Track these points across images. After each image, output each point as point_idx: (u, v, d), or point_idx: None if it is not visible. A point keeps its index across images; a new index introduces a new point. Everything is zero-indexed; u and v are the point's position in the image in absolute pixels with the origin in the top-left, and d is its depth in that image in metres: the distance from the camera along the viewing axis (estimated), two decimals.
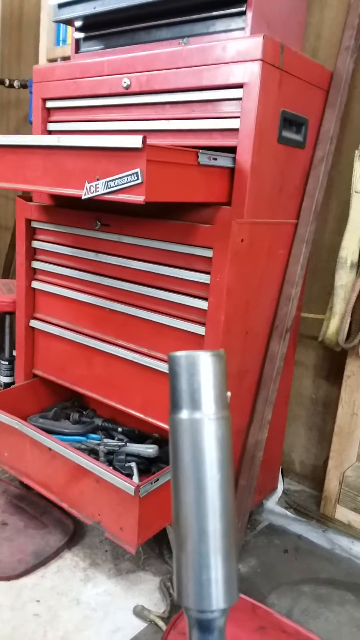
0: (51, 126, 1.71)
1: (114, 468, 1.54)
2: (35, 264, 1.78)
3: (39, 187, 1.28)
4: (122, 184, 1.09)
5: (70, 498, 1.47)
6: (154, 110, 1.45)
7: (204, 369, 0.41)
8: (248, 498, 1.54)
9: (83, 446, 1.64)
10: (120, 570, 1.52)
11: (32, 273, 1.80)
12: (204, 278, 1.35)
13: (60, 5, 1.62)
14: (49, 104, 1.69)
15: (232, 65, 1.27)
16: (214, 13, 1.38)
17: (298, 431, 1.91)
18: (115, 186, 1.10)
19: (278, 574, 1.54)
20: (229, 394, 0.42)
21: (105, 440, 1.69)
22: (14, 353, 1.93)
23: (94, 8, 1.52)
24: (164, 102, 1.42)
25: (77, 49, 1.71)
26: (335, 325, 1.56)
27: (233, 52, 1.27)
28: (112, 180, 1.11)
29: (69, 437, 1.67)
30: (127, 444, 1.65)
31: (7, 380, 2.31)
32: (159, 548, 1.58)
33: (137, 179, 1.07)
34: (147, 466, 1.62)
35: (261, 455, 1.54)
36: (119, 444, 1.65)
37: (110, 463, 1.60)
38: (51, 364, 1.81)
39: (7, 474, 1.81)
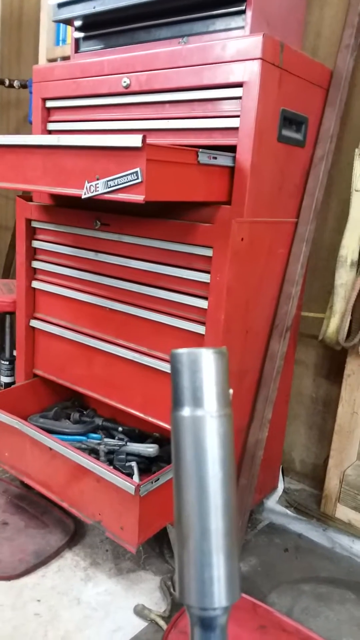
0: (51, 126, 1.71)
1: (115, 467, 1.54)
2: (36, 264, 1.78)
3: (39, 187, 1.28)
4: (122, 183, 1.09)
5: (70, 497, 1.47)
6: (154, 110, 1.45)
7: (206, 366, 0.41)
8: (248, 497, 1.54)
9: (83, 446, 1.64)
10: (121, 569, 1.52)
11: (32, 273, 1.80)
12: (204, 277, 1.35)
13: (60, 5, 1.62)
14: (49, 104, 1.69)
15: (232, 64, 1.27)
16: (214, 12, 1.37)
17: (298, 430, 1.91)
18: (115, 185, 1.10)
19: (278, 573, 1.54)
20: (231, 391, 0.42)
21: (106, 439, 1.69)
22: (15, 353, 1.93)
23: (94, 7, 1.52)
24: (164, 102, 1.42)
25: (76, 48, 1.71)
26: (335, 324, 1.56)
27: (233, 51, 1.27)
28: (112, 180, 1.11)
29: (70, 437, 1.67)
30: (128, 443, 1.65)
31: (7, 380, 2.31)
32: (159, 547, 1.58)
33: (137, 178, 1.07)
34: (148, 465, 1.62)
35: (261, 454, 1.54)
36: (120, 443, 1.65)
37: (110, 462, 1.60)
38: (51, 364, 1.81)
39: (7, 473, 1.81)
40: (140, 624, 1.34)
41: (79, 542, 1.61)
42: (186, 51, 1.34)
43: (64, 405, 1.90)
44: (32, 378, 1.87)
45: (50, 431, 1.57)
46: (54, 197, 1.69)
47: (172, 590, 1.42)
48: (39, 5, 2.42)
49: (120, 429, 1.74)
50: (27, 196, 1.77)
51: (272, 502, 1.81)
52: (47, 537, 1.60)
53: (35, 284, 1.79)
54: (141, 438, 1.72)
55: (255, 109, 1.26)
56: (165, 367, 1.47)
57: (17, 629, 1.30)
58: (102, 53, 1.62)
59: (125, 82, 1.46)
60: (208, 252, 1.32)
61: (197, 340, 1.39)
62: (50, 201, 1.71)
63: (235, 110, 1.30)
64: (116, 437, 1.71)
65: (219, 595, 0.41)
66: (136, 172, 1.07)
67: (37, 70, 1.69)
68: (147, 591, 1.44)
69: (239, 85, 1.28)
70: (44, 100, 1.69)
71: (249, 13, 1.32)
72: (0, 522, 1.65)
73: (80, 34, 1.68)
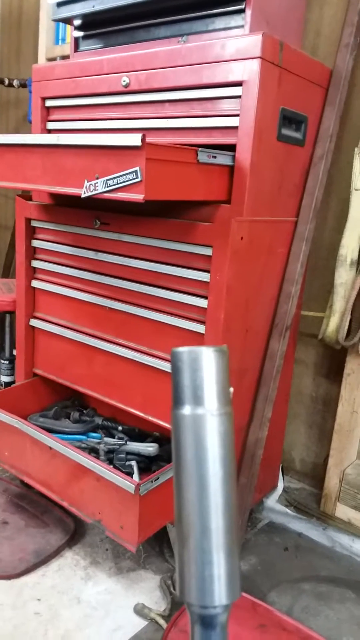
0: (51, 125, 1.71)
1: (115, 467, 1.54)
2: (35, 263, 1.78)
3: (38, 186, 1.28)
4: (122, 182, 1.09)
5: (70, 497, 1.47)
6: (154, 109, 1.44)
7: (206, 365, 0.41)
8: (248, 496, 1.54)
9: (83, 445, 1.64)
10: (121, 568, 1.52)
11: (32, 272, 1.80)
12: (204, 276, 1.35)
13: (59, 4, 1.61)
14: (49, 103, 1.69)
15: (232, 63, 1.27)
16: (213, 11, 1.37)
17: (298, 429, 1.91)
18: (115, 185, 1.10)
19: (278, 572, 1.54)
20: (231, 389, 0.42)
21: (106, 439, 1.69)
22: (14, 352, 1.93)
23: (93, 6, 1.52)
24: (164, 100, 1.42)
25: (76, 47, 1.71)
26: (335, 323, 1.56)
27: (232, 50, 1.27)
28: (111, 179, 1.11)
29: (70, 436, 1.67)
30: (128, 442, 1.65)
31: (7, 379, 2.31)
32: (159, 546, 1.58)
33: (137, 177, 1.07)
34: (148, 465, 1.62)
35: (261, 454, 1.54)
36: (120, 442, 1.65)
37: (110, 462, 1.60)
38: (51, 363, 1.81)
39: (7, 472, 1.81)
40: (140, 623, 1.34)
41: (79, 541, 1.61)
42: (185, 50, 1.34)
43: (64, 405, 1.90)
44: (32, 377, 1.87)
45: (50, 430, 1.57)
46: (54, 196, 1.69)
47: (172, 589, 1.42)
48: (39, 5, 2.42)
49: (120, 428, 1.74)
50: (26, 195, 1.77)
51: (272, 501, 1.81)
52: (47, 536, 1.60)
53: (35, 284, 1.79)
54: (141, 437, 1.72)
55: (255, 107, 1.26)
56: (165, 366, 1.47)
57: (18, 628, 1.30)
58: (101, 52, 1.62)
59: (124, 81, 1.46)
60: (208, 251, 1.32)
61: (197, 339, 1.39)
62: (49, 200, 1.71)
63: (235, 109, 1.30)
64: (116, 437, 1.71)
65: (220, 593, 0.41)
66: (135, 171, 1.07)
67: (37, 69, 1.69)
68: (147, 590, 1.45)
69: (238, 84, 1.27)
70: (44, 99, 1.69)
71: (248, 12, 1.32)
72: (0, 521, 1.66)
73: (80, 33, 1.68)
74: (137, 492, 1.27)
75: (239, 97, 1.28)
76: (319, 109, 1.51)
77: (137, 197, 1.08)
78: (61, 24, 2.27)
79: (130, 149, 1.07)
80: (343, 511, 1.70)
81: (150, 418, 1.54)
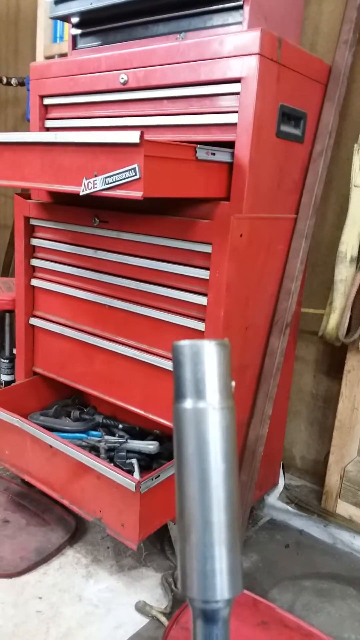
0: (49, 123, 1.70)
1: (115, 465, 1.54)
2: (35, 262, 1.78)
3: (37, 184, 1.28)
4: (120, 179, 1.09)
5: (71, 495, 1.47)
6: (152, 106, 1.44)
7: (208, 358, 0.41)
8: (249, 493, 1.54)
9: (84, 443, 1.64)
10: (122, 566, 1.52)
11: (32, 271, 1.80)
12: (203, 274, 1.35)
13: (57, 2, 1.61)
14: (47, 101, 1.69)
15: (230, 59, 1.27)
16: (211, 7, 1.37)
17: (299, 426, 1.91)
18: (113, 182, 1.10)
19: (280, 569, 1.54)
20: (233, 383, 0.42)
21: (106, 437, 1.69)
22: (14, 351, 1.93)
23: (91, 4, 1.51)
24: (162, 98, 1.41)
25: (74, 45, 1.71)
26: (335, 320, 1.56)
27: (230, 46, 1.26)
28: (110, 177, 1.10)
29: (70, 435, 1.67)
30: (128, 440, 1.65)
31: (7, 378, 2.31)
32: (160, 544, 1.58)
33: (135, 174, 1.07)
34: (148, 463, 1.62)
35: (262, 451, 1.54)
36: (120, 440, 1.65)
37: (111, 460, 1.60)
38: (51, 362, 1.80)
39: (8, 471, 1.82)
40: (141, 621, 1.34)
41: (80, 539, 1.61)
42: (184, 47, 1.34)
43: (64, 403, 1.90)
44: (32, 376, 1.87)
45: (50, 429, 1.57)
46: (53, 194, 1.69)
47: (173, 586, 1.42)
48: (36, 3, 2.42)
49: (120, 426, 1.74)
50: (25, 194, 1.77)
51: (273, 499, 1.81)
52: (48, 534, 1.60)
53: (34, 282, 1.79)
54: (142, 435, 1.72)
55: (254, 104, 1.26)
56: (165, 364, 1.47)
57: (19, 627, 1.30)
58: (99, 50, 1.62)
59: (122, 78, 1.46)
60: (207, 249, 1.32)
61: (197, 337, 1.39)
62: (48, 199, 1.70)
63: (234, 106, 1.29)
64: (116, 435, 1.71)
65: (222, 588, 0.41)
66: (134, 168, 1.07)
67: (35, 67, 1.69)
68: (148, 588, 1.45)
69: (237, 80, 1.27)
70: (42, 97, 1.69)
71: (246, 8, 1.32)
72: (1, 520, 1.65)
73: (78, 31, 1.68)
74: (138, 490, 1.27)
75: (238, 93, 1.28)
76: (318, 105, 1.51)
77: (136, 194, 1.08)
78: (59, 22, 2.27)
79: (129, 146, 1.07)
80: (344, 508, 1.70)
81: (150, 416, 1.54)
